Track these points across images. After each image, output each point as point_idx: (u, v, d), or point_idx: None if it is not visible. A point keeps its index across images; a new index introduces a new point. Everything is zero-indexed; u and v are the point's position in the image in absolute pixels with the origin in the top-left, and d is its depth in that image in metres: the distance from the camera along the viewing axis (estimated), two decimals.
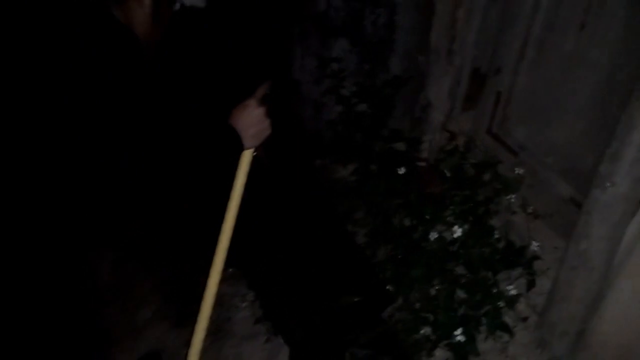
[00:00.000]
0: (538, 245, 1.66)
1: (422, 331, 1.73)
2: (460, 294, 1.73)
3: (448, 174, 1.86)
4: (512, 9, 1.79)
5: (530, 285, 1.66)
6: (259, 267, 2.19)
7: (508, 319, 1.67)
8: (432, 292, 1.80)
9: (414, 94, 2.16)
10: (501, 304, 1.61)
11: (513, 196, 1.73)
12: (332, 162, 2.43)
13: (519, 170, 1.72)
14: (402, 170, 1.92)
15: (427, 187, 1.93)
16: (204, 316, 1.50)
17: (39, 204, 2.23)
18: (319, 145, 2.45)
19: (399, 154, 2.08)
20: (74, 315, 1.60)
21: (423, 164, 2.03)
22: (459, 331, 1.62)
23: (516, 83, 1.84)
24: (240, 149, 1.34)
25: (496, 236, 1.73)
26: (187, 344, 2.13)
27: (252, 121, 1.33)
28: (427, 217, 1.88)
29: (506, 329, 1.64)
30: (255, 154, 1.40)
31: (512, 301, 1.62)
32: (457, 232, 1.65)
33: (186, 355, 1.52)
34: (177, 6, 1.36)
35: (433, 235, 1.80)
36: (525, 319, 1.72)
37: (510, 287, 1.63)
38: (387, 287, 1.83)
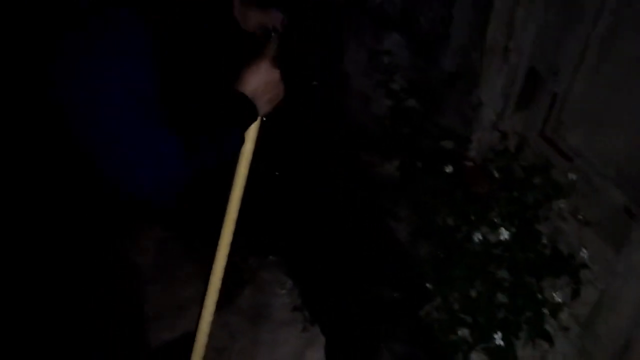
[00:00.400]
0: (587, 254, 1.62)
1: (459, 332, 1.72)
2: (501, 298, 1.70)
3: (496, 175, 1.83)
4: (575, 10, 1.72)
5: (576, 294, 1.61)
6: (300, 256, 2.23)
7: (549, 327, 1.64)
8: (473, 293, 1.78)
9: (465, 92, 2.12)
10: (544, 310, 1.57)
11: (564, 202, 1.69)
12: (377, 157, 2.42)
13: (572, 176, 1.67)
14: (449, 169, 1.90)
15: (474, 186, 1.90)
16: (212, 294, 1.47)
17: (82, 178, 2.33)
18: (365, 138, 2.45)
19: (446, 152, 2.05)
20: (119, 290, 1.63)
21: (471, 163, 2.00)
22: (497, 335, 1.59)
23: (574, 86, 1.78)
24: (255, 119, 1.17)
25: (543, 241, 1.69)
26: (225, 326, 2.21)
27: (266, 85, 1.14)
28: (472, 217, 1.85)
29: (547, 336, 1.61)
30: (264, 119, 1.22)
31: (555, 309, 1.58)
32: (504, 234, 1.62)
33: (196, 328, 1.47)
34: None
35: (477, 236, 1.77)
36: (567, 329, 1.68)
37: (555, 294, 1.59)
38: (427, 285, 1.82)
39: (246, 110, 1.13)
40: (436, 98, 2.15)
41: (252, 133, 1.23)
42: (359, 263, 2.03)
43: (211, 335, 2.15)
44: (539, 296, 1.61)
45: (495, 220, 1.71)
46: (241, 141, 1.14)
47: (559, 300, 1.58)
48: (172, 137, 0.98)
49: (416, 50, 2.25)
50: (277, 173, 2.54)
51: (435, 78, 2.18)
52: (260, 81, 1.13)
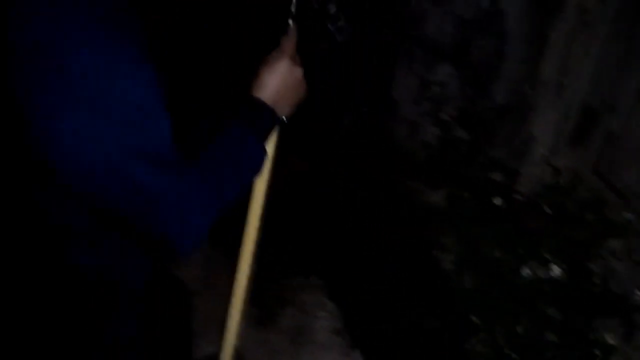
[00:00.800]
0: None
1: None
2: (550, 336, 1.67)
3: (547, 210, 1.81)
4: (634, 47, 1.72)
5: (629, 337, 1.57)
6: (343, 279, 2.24)
7: None
8: (519, 329, 1.76)
9: (516, 125, 2.12)
10: (596, 352, 1.54)
11: (618, 241, 1.66)
12: (423, 185, 2.43)
13: (627, 215, 1.64)
14: (498, 201, 1.90)
15: (523, 220, 1.89)
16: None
17: None
18: (412, 166, 2.46)
19: (495, 184, 2.05)
20: (167, 303, 1.64)
21: (520, 196, 1.99)
22: None
23: (630, 124, 1.76)
24: (275, 126, 1.02)
25: (595, 280, 1.66)
26: (265, 343, 2.24)
27: (286, 86, 0.99)
28: (520, 251, 1.84)
29: None
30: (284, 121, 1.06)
31: (607, 351, 1.54)
32: (554, 270, 1.61)
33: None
34: None
35: (525, 271, 1.76)
36: None
37: (607, 336, 1.55)
38: (471, 317, 1.81)
39: (266, 119, 0.98)
40: (486, 129, 2.16)
41: (272, 138, 1.06)
42: (403, 290, 2.03)
43: (250, 352, 2.19)
44: (590, 336, 1.58)
45: (546, 255, 1.69)
46: (263, 154, 0.98)
47: (612, 342, 1.54)
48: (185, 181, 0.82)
49: (467, 81, 2.26)
50: (322, 194, 2.58)
51: (485, 109, 2.19)
52: (280, 83, 0.98)
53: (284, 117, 1.01)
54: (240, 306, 1.19)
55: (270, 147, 1.06)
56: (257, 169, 0.97)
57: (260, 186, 1.07)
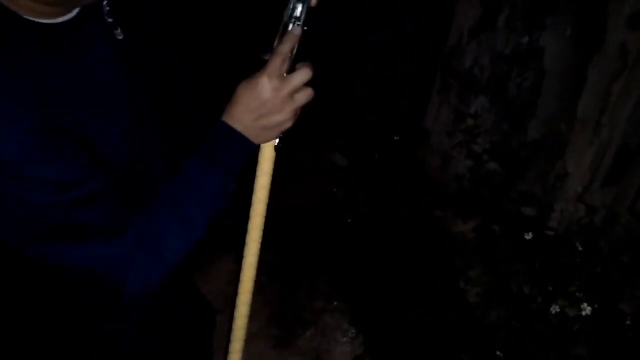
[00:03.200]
0: None
1: None
2: None
3: (580, 248, 1.78)
4: None
5: None
6: (366, 306, 2.22)
7: None
8: None
9: (550, 161, 2.11)
10: None
11: None
12: (452, 215, 2.42)
13: None
14: (529, 236, 1.88)
15: (554, 257, 1.86)
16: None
17: None
18: (442, 196, 2.46)
19: (526, 219, 2.03)
20: (191, 318, 1.62)
21: (552, 233, 1.96)
22: None
23: None
24: (248, 153, 0.89)
25: (627, 322, 1.62)
26: None
27: (264, 106, 0.83)
28: (550, 288, 1.80)
29: None
30: (279, 145, 0.92)
31: None
32: (586, 310, 1.57)
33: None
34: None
35: (554, 309, 1.72)
36: None
37: None
38: (497, 353, 1.77)
39: (232, 149, 0.86)
40: (519, 164, 2.15)
41: (265, 165, 0.94)
42: (427, 320, 2.01)
43: None
44: None
45: (577, 294, 1.65)
46: (228, 186, 0.88)
47: None
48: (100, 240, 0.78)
49: (502, 115, 2.27)
50: (349, 220, 2.59)
51: (519, 144, 2.19)
52: (255, 103, 0.83)
53: (276, 141, 0.90)
54: (243, 325, 1.15)
55: (264, 177, 0.94)
56: (218, 201, 0.87)
57: (261, 198, 0.95)
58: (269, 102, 0.83)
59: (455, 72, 2.39)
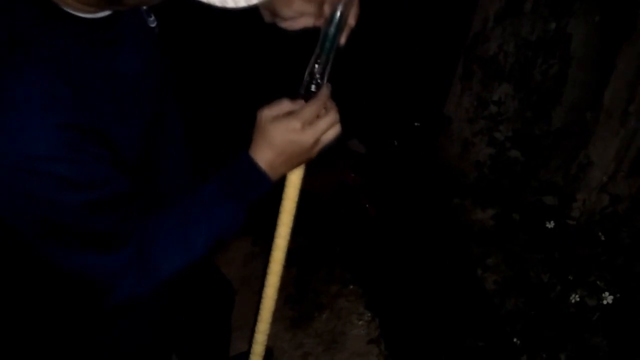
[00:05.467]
0: None
1: None
2: None
3: (602, 238, 1.76)
4: None
5: None
6: (382, 290, 2.23)
7: None
8: (562, 357, 1.71)
9: (573, 149, 2.08)
10: None
11: None
12: (470, 203, 2.40)
13: None
14: (550, 224, 1.86)
15: (575, 246, 1.84)
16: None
17: None
18: (461, 184, 2.44)
19: (547, 207, 2.01)
20: (211, 298, 1.63)
21: (574, 222, 1.94)
22: None
23: None
24: (264, 191, 0.88)
25: None
26: (299, 346, 2.24)
27: (296, 151, 0.84)
28: (570, 277, 1.79)
29: None
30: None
31: None
32: (607, 299, 1.56)
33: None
34: None
35: (574, 298, 1.71)
36: None
37: None
38: (514, 340, 1.77)
39: (253, 185, 0.85)
40: (541, 152, 2.12)
41: (291, 192, 0.95)
42: (443, 306, 2.01)
43: (284, 354, 2.20)
44: None
45: (598, 283, 1.64)
46: (240, 219, 0.87)
47: None
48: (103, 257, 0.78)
49: (526, 102, 2.24)
50: (367, 206, 2.59)
51: (542, 132, 2.16)
52: (288, 147, 0.83)
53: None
54: (271, 306, 1.15)
55: (292, 188, 0.94)
56: (226, 231, 0.87)
57: (291, 196, 0.96)
58: (302, 147, 0.84)
59: (478, 59, 2.35)
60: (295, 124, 0.82)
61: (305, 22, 0.91)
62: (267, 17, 0.95)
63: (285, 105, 0.85)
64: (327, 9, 0.86)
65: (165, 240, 0.83)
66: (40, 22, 0.69)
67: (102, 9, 0.74)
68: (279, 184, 0.95)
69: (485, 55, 2.33)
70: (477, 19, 2.39)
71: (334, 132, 0.86)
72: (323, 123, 0.84)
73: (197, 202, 0.85)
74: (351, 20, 0.86)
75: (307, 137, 0.83)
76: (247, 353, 1.27)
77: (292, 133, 0.83)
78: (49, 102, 0.67)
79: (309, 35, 0.90)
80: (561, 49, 2.09)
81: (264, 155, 0.84)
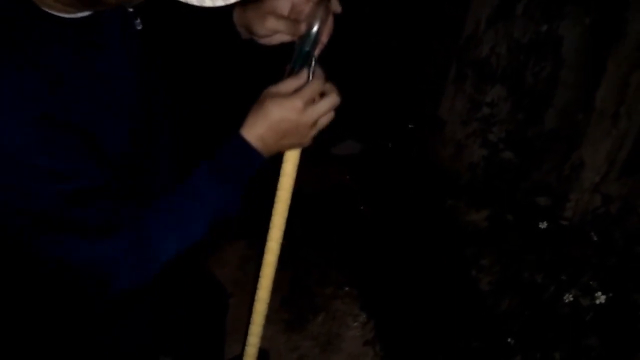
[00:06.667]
0: None
1: None
2: None
3: (594, 238, 1.78)
4: None
5: None
6: (377, 292, 2.23)
7: None
8: (557, 356, 1.72)
9: (566, 150, 2.10)
10: None
11: None
12: (464, 204, 2.42)
13: None
14: (543, 225, 1.87)
15: (568, 247, 1.86)
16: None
17: None
18: (454, 185, 2.46)
19: (540, 208, 2.03)
20: (204, 301, 1.63)
21: (566, 222, 1.96)
22: None
23: None
24: (256, 167, 0.87)
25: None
26: (294, 349, 2.24)
27: (291, 130, 0.84)
28: (563, 277, 1.80)
29: None
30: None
31: None
32: (600, 299, 1.57)
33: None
34: None
35: (568, 298, 1.72)
36: None
37: None
38: (508, 340, 1.78)
39: (247, 163, 0.85)
40: (534, 153, 2.14)
41: (288, 169, 0.94)
42: (437, 306, 2.02)
43: (279, 356, 2.20)
44: None
45: (591, 283, 1.66)
46: (235, 199, 0.87)
47: None
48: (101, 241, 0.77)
49: (518, 104, 2.26)
50: (362, 207, 2.60)
51: (535, 133, 2.18)
52: (284, 125, 0.83)
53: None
54: (263, 309, 1.15)
55: (285, 181, 0.95)
56: (221, 212, 0.87)
57: (286, 186, 0.95)
58: (297, 127, 0.84)
59: (471, 61, 2.37)
60: (297, 102, 0.83)
61: (280, 38, 0.93)
62: (243, 34, 0.96)
63: (290, 83, 0.85)
64: (302, 27, 0.87)
65: (160, 227, 0.83)
66: (17, 22, 0.69)
67: (81, 10, 0.74)
68: (274, 180, 0.96)
69: (477, 57, 2.34)
70: (469, 21, 2.41)
71: (330, 117, 0.87)
72: (324, 104, 0.85)
73: (191, 186, 0.85)
74: (324, 38, 0.88)
75: (306, 117, 0.83)
76: (241, 356, 1.27)
77: (291, 111, 0.83)
78: (24, 96, 0.67)
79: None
80: (553, 52, 2.11)
81: (255, 130, 0.84)
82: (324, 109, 0.85)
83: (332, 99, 0.86)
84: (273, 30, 0.91)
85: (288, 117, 0.83)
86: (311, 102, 0.84)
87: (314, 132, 0.87)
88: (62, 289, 0.92)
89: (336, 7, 0.89)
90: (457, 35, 2.47)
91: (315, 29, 0.84)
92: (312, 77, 0.85)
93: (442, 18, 2.71)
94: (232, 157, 0.85)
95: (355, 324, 2.19)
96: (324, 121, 0.87)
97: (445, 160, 2.55)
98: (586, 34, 2.05)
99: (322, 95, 0.86)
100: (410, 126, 2.64)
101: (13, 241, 0.78)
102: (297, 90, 0.84)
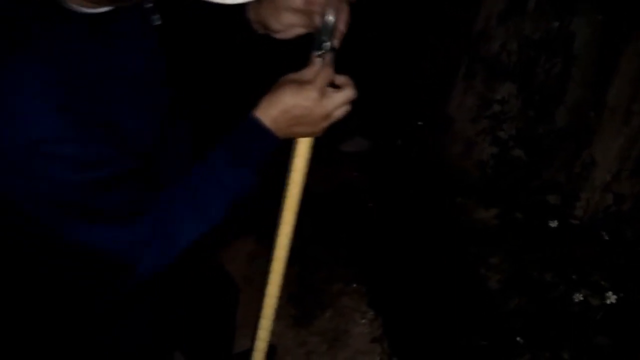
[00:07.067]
0: None
1: None
2: None
3: (605, 237, 1.76)
4: None
5: None
6: (385, 288, 2.23)
7: None
8: (565, 355, 1.71)
9: (576, 148, 2.08)
10: None
11: None
12: (473, 202, 2.41)
13: None
14: (554, 224, 1.86)
15: (578, 245, 1.84)
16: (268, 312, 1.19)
17: None
18: (464, 183, 2.44)
19: (550, 207, 2.01)
20: (215, 296, 1.63)
21: (577, 221, 1.94)
22: None
23: None
24: (269, 149, 0.88)
25: None
26: (302, 344, 2.24)
27: (305, 117, 0.85)
28: (573, 277, 1.79)
29: None
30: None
31: None
32: (611, 298, 1.56)
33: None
34: None
35: (577, 297, 1.71)
36: None
37: None
38: (517, 339, 1.77)
39: (261, 144, 0.86)
40: (545, 151, 2.12)
41: (302, 147, 0.93)
42: (445, 304, 2.01)
43: (287, 352, 2.20)
44: None
45: (602, 282, 1.64)
46: (251, 180, 0.88)
47: None
48: (124, 228, 0.79)
49: (529, 101, 2.24)
50: (370, 205, 2.59)
51: (545, 131, 2.16)
52: (297, 111, 0.83)
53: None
54: (273, 304, 1.16)
55: (297, 170, 0.94)
56: (239, 193, 0.88)
57: (297, 181, 0.95)
58: (311, 115, 0.84)
59: (481, 58, 2.36)
60: (312, 91, 0.83)
61: (296, 31, 0.93)
62: (259, 30, 0.97)
63: (306, 72, 0.85)
64: (317, 20, 0.87)
65: (180, 211, 0.84)
66: (40, 16, 0.70)
67: (101, 5, 0.75)
68: (282, 177, 0.97)
69: (488, 54, 2.33)
70: (480, 17, 2.39)
71: (344, 110, 0.87)
72: (340, 96, 0.85)
73: (207, 169, 0.86)
74: (341, 26, 0.87)
75: (320, 107, 0.84)
76: (251, 350, 1.27)
77: (306, 99, 0.83)
78: (49, 87, 0.68)
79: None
80: (564, 48, 2.09)
81: (269, 112, 0.84)
82: (339, 101, 0.85)
83: (348, 92, 0.86)
84: (289, 25, 0.91)
85: (302, 104, 0.83)
86: (325, 92, 0.84)
87: (327, 123, 0.87)
88: (64, 288, 0.94)
89: None
90: (468, 31, 2.45)
91: (330, 17, 0.84)
92: (324, 65, 0.85)
93: (452, 14, 2.69)
94: (246, 137, 0.86)
95: (363, 320, 2.19)
96: (339, 114, 0.87)
97: (454, 158, 2.54)
98: (598, 30, 2.03)
99: (338, 87, 0.87)
100: (419, 123, 2.63)
101: (39, 230, 0.78)
102: (312, 80, 0.84)
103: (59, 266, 0.89)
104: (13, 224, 0.80)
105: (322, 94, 0.84)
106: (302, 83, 0.84)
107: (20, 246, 0.85)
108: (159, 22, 0.87)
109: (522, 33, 2.22)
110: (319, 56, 0.86)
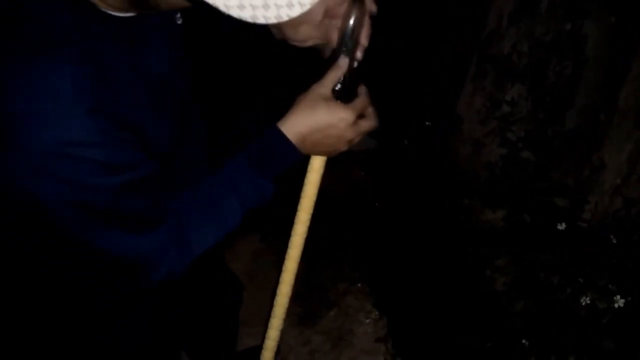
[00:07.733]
0: None
1: None
2: None
3: (614, 241, 1.75)
4: None
5: None
6: (390, 288, 2.22)
7: None
8: (571, 358, 1.69)
9: (586, 151, 2.06)
10: None
11: None
12: (480, 204, 2.39)
13: None
14: (561, 226, 1.85)
15: (586, 249, 1.83)
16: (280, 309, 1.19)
17: None
18: (471, 184, 2.43)
19: (558, 209, 2.00)
20: (218, 293, 1.63)
21: (585, 224, 1.93)
22: None
23: None
24: (290, 163, 0.89)
25: None
26: (306, 343, 2.24)
27: (333, 137, 0.85)
28: (580, 280, 1.78)
29: None
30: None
31: None
32: (619, 302, 1.54)
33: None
34: None
35: (584, 301, 1.70)
36: None
37: None
38: (522, 341, 1.76)
39: (284, 157, 0.86)
40: (554, 153, 2.11)
41: (313, 176, 0.95)
42: (451, 306, 2.00)
43: (291, 350, 2.20)
44: None
45: (610, 286, 1.63)
46: (269, 191, 0.89)
47: None
48: (143, 237, 0.79)
49: (539, 103, 2.22)
50: (376, 204, 2.58)
51: (555, 133, 2.14)
52: (327, 131, 0.83)
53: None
54: (285, 303, 1.16)
55: (309, 189, 0.95)
56: (256, 203, 0.88)
57: (313, 181, 0.96)
58: (339, 138, 0.85)
59: (491, 58, 2.34)
60: (350, 115, 0.84)
61: (314, 42, 0.92)
62: (277, 35, 0.97)
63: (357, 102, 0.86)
64: (334, 34, 0.87)
65: (200, 218, 0.85)
66: (72, 17, 0.70)
67: (130, 11, 0.75)
68: (289, 175, 0.97)
69: (498, 55, 2.31)
70: (491, 18, 2.38)
71: (362, 137, 0.89)
72: (367, 126, 0.87)
73: (227, 178, 0.87)
74: (363, 40, 0.88)
75: (351, 132, 0.85)
76: (256, 348, 1.27)
77: (342, 121, 0.84)
78: (80, 90, 0.68)
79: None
80: (575, 50, 2.07)
81: (298, 128, 0.84)
82: (365, 130, 0.87)
83: (372, 123, 0.88)
84: (307, 37, 0.91)
85: (337, 125, 0.84)
86: (358, 116, 0.85)
87: (346, 148, 0.88)
88: (63, 288, 0.94)
89: (371, 6, 0.88)
90: (477, 32, 2.44)
91: (350, 27, 0.83)
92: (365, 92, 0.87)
93: (461, 14, 2.68)
94: (270, 151, 0.86)
95: (368, 320, 2.18)
96: (357, 140, 0.88)
97: (462, 159, 2.52)
98: (611, 32, 2.01)
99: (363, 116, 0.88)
100: (427, 123, 2.62)
101: (60, 233, 0.77)
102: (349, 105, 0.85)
103: (59, 266, 0.89)
104: (16, 223, 0.79)
105: (355, 119, 0.84)
106: (337, 103, 0.84)
107: (21, 246, 0.85)
108: (180, 22, 0.88)
109: (533, 34, 2.20)
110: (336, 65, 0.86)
